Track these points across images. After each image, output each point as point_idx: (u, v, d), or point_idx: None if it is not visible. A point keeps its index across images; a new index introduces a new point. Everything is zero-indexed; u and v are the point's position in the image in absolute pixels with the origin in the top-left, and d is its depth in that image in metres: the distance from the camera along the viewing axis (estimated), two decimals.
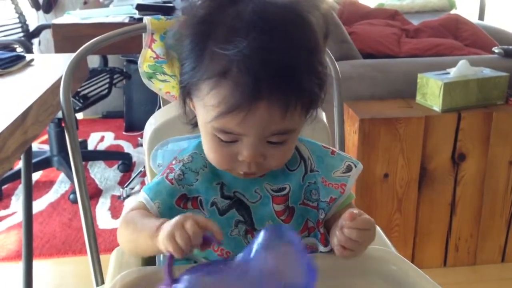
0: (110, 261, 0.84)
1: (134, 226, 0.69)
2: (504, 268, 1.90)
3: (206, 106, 0.64)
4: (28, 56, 1.24)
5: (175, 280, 0.58)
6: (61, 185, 2.61)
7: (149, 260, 0.85)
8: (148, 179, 0.92)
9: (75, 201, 2.39)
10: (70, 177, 2.50)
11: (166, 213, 0.70)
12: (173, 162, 0.74)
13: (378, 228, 0.87)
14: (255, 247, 0.57)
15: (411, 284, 0.69)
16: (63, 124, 2.81)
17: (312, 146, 0.78)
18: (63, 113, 0.97)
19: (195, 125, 0.75)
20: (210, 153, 0.69)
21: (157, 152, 0.79)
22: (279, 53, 0.61)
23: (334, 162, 0.77)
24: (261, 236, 0.58)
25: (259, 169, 0.68)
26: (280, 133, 0.65)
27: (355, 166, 0.77)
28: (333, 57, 1.08)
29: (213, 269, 0.61)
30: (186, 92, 0.70)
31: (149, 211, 0.71)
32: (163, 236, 0.60)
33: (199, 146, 0.75)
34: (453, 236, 1.86)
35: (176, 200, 0.71)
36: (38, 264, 1.88)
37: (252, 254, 0.57)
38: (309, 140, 0.79)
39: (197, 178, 0.71)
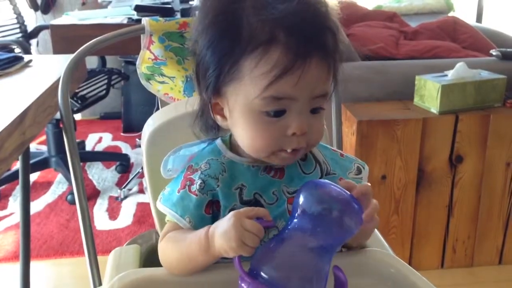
0: (108, 262, 0.84)
1: (179, 245, 0.69)
2: (501, 270, 1.90)
3: (255, 78, 0.64)
4: (26, 57, 1.24)
5: (250, 272, 0.61)
6: (59, 186, 2.60)
7: (147, 262, 0.85)
8: (146, 180, 0.92)
9: (72, 202, 2.38)
10: (67, 178, 2.50)
11: (198, 225, 0.70)
12: (189, 172, 0.73)
13: (375, 230, 0.88)
14: (300, 209, 0.63)
15: (410, 286, 0.69)
16: (61, 125, 2.82)
17: (324, 150, 0.79)
18: (61, 114, 0.97)
19: (210, 128, 0.75)
20: (256, 137, 0.68)
21: (169, 157, 0.78)
22: (316, 14, 0.65)
23: (346, 164, 0.79)
24: (301, 198, 0.63)
25: (305, 143, 0.68)
26: (322, 95, 0.67)
27: (363, 168, 0.79)
28: None
29: (277, 238, 0.63)
30: (214, 88, 0.69)
31: (182, 228, 0.72)
32: (230, 246, 0.62)
33: (213, 151, 0.75)
34: (451, 238, 1.87)
35: (204, 209, 0.71)
36: (35, 265, 1.88)
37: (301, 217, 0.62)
38: (320, 144, 0.78)
39: (218, 184, 0.71)
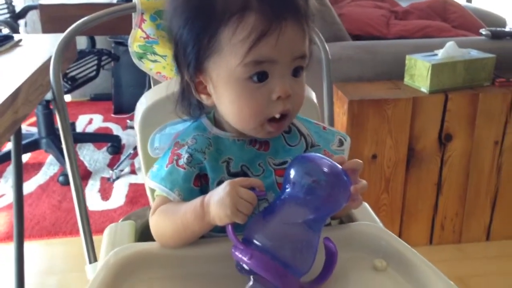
0: (103, 238, 0.85)
1: (173, 216, 0.70)
2: (488, 246, 1.94)
3: (235, 45, 0.66)
4: (16, 36, 1.23)
5: (243, 241, 0.63)
6: (50, 167, 2.60)
7: (142, 238, 0.86)
8: (140, 159, 0.93)
9: (64, 183, 2.39)
10: (59, 159, 2.50)
11: (187, 198, 0.71)
12: (176, 147, 0.75)
13: (366, 205, 0.89)
14: (292, 180, 0.64)
15: (399, 258, 0.70)
16: (51, 106, 2.78)
17: (308, 124, 0.81)
18: (53, 93, 0.97)
19: (194, 108, 0.76)
20: (244, 106, 0.69)
21: (155, 136, 0.79)
22: None
23: (329, 137, 0.81)
24: (292, 172, 0.65)
25: (291, 106, 0.69)
26: (301, 56, 0.69)
27: (345, 140, 0.81)
28: (323, 38, 1.08)
29: (268, 209, 0.66)
30: (195, 65, 0.70)
31: (172, 201, 0.73)
32: (225, 213, 0.64)
33: (199, 128, 0.76)
34: (439, 215, 1.90)
35: (193, 182, 0.72)
36: (28, 246, 1.88)
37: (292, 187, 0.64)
38: (302, 118, 0.81)
39: (205, 157, 0.73)
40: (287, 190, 0.65)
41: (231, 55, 0.67)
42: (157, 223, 0.73)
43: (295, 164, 0.66)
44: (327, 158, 0.67)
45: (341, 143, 0.81)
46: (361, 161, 0.70)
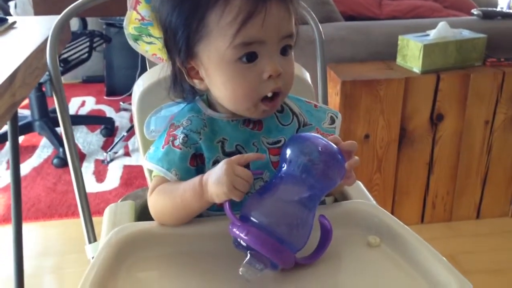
0: (103, 218, 0.86)
1: (172, 195, 0.72)
2: (478, 224, 1.98)
3: (223, 28, 0.67)
4: (11, 19, 1.23)
5: (241, 218, 0.65)
6: (44, 149, 2.60)
7: (141, 218, 0.88)
8: (138, 141, 0.94)
9: (58, 166, 2.39)
10: (52, 141, 2.50)
11: (184, 177, 0.73)
12: (171, 129, 0.76)
13: (360, 183, 0.91)
14: (288, 159, 0.67)
15: (392, 234, 0.73)
16: (43, 89, 2.75)
17: (299, 103, 0.83)
18: (50, 75, 0.97)
19: (187, 92, 0.78)
20: (236, 87, 0.71)
21: (151, 118, 0.81)
22: None
23: (320, 115, 0.83)
24: (288, 151, 0.67)
25: (281, 83, 0.71)
26: (288, 35, 0.70)
27: (336, 117, 0.83)
28: (316, 18, 1.09)
29: (265, 187, 0.68)
30: (186, 50, 0.71)
31: (170, 181, 0.74)
32: (222, 190, 0.65)
33: (193, 109, 0.78)
34: (430, 194, 1.93)
35: (189, 162, 0.74)
36: (24, 228, 1.88)
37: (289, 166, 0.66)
38: (294, 97, 0.83)
39: (200, 138, 0.74)
40: (284, 168, 0.67)
41: (220, 38, 0.68)
42: (156, 202, 0.75)
43: (291, 143, 0.68)
44: (323, 138, 0.68)
45: (332, 120, 0.83)
46: (356, 143, 0.72)
